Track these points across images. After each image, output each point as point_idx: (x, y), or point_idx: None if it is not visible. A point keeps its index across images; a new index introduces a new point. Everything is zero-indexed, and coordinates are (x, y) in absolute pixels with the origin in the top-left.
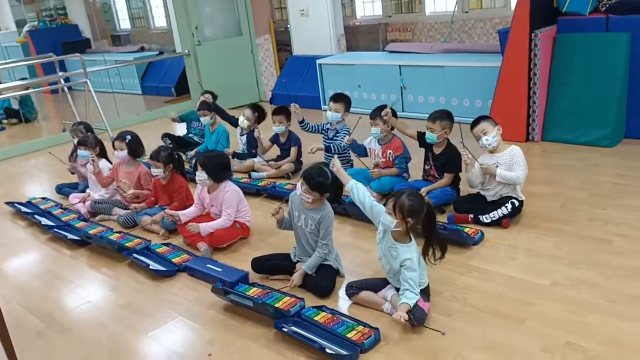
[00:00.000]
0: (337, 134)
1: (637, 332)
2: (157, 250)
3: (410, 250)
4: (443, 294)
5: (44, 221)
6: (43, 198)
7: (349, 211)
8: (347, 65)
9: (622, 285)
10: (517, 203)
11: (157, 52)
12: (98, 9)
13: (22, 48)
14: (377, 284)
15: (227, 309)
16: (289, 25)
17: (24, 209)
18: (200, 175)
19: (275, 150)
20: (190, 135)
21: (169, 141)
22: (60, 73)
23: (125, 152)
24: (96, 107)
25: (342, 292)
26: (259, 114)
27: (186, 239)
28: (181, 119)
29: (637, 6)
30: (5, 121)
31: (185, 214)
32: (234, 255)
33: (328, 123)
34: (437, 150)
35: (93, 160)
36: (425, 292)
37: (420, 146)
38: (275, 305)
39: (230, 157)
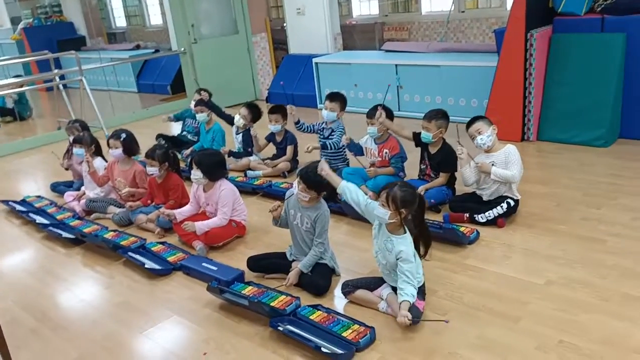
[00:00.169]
0: (333, 133)
1: (631, 331)
2: (152, 248)
3: (405, 242)
4: (438, 293)
5: (39, 219)
6: (38, 196)
7: (345, 210)
8: (343, 64)
9: (616, 284)
10: (512, 202)
11: (153, 50)
12: (94, 7)
13: (17, 45)
14: (373, 283)
15: (222, 307)
16: (285, 24)
17: (18, 207)
18: (196, 173)
19: (271, 149)
20: (184, 133)
21: (163, 141)
22: (56, 71)
23: (120, 151)
24: (91, 105)
25: (337, 291)
26: (255, 113)
27: (182, 237)
28: (176, 118)
29: (633, 7)
30: None
31: (180, 213)
32: (230, 254)
33: (323, 122)
34: (433, 150)
35: (88, 160)
36: (420, 291)
37: (416, 146)
38: (271, 304)
39: (225, 155)
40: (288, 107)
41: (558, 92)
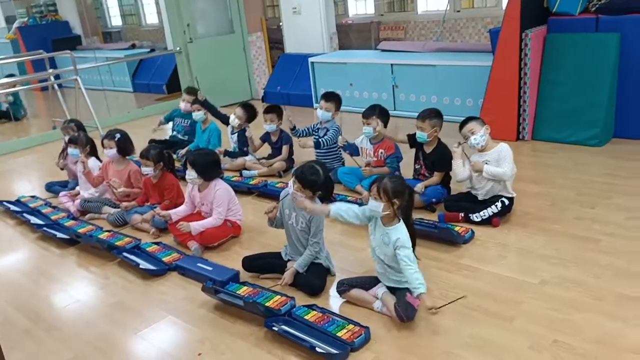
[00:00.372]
0: (328, 132)
1: (625, 330)
2: (147, 249)
3: (400, 230)
4: (433, 292)
5: (33, 220)
6: (32, 196)
7: None
8: (339, 64)
9: (610, 283)
10: (507, 202)
11: (149, 50)
12: (89, 6)
13: (12, 45)
14: (368, 282)
15: (217, 308)
16: (281, 23)
17: (12, 207)
18: (190, 174)
19: (266, 149)
20: (174, 133)
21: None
22: (51, 70)
23: (114, 151)
24: (86, 105)
25: (332, 291)
26: (250, 113)
27: (177, 237)
28: (166, 120)
29: (627, 7)
30: None
31: (175, 213)
32: (225, 254)
33: (318, 122)
34: (428, 149)
35: (83, 161)
36: None
37: (412, 147)
38: (266, 304)
39: (221, 155)
40: (285, 113)
41: (553, 92)
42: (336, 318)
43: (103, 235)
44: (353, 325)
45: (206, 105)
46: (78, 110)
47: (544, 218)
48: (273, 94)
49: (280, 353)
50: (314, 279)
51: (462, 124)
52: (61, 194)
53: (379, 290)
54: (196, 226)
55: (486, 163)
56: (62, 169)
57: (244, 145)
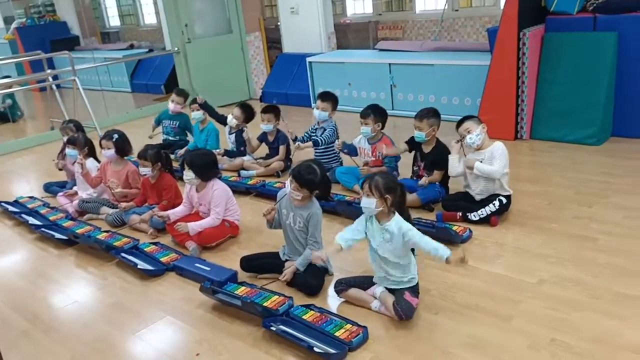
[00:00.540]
0: (325, 131)
1: (622, 329)
2: (145, 249)
3: (398, 220)
4: (431, 292)
5: (31, 220)
6: (30, 197)
7: (338, 209)
8: (337, 64)
9: (608, 282)
10: (504, 200)
11: (147, 50)
12: (87, 6)
13: (10, 45)
14: (366, 282)
15: (215, 308)
16: (279, 23)
17: (11, 208)
18: (188, 174)
19: (264, 149)
20: (165, 136)
21: None
22: (49, 71)
23: (112, 151)
24: (85, 105)
25: (330, 291)
26: (248, 113)
27: (175, 238)
28: (156, 123)
29: (624, 6)
30: None
31: (174, 213)
32: (223, 254)
33: (316, 123)
34: (427, 149)
35: (81, 162)
36: (413, 288)
37: (411, 151)
38: (264, 304)
39: (221, 155)
40: (283, 124)
41: (550, 91)
42: (334, 318)
43: (101, 236)
44: (351, 325)
45: (205, 107)
46: (76, 111)
47: (541, 217)
48: (271, 94)
49: (278, 353)
50: (311, 278)
51: (459, 123)
52: (59, 194)
53: (377, 289)
54: (194, 226)
55: (481, 161)
56: (60, 169)
57: (241, 145)
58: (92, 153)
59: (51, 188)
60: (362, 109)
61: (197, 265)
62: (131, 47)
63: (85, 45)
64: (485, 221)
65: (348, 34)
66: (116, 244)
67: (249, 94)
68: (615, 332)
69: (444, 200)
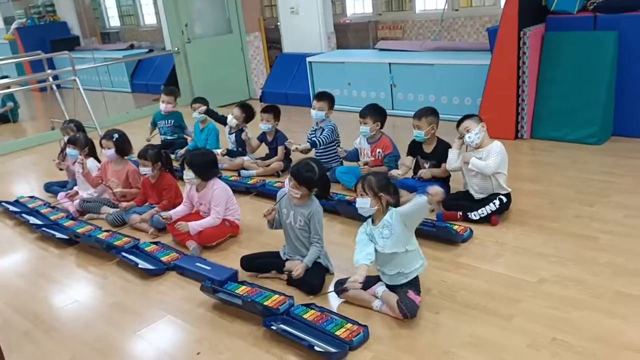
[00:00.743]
0: (323, 131)
1: (623, 327)
2: (146, 248)
3: (392, 211)
4: (432, 291)
5: (32, 220)
6: (31, 197)
7: (339, 209)
8: (337, 63)
9: (609, 282)
10: (504, 199)
11: (147, 50)
12: (87, 6)
13: (10, 45)
14: (367, 282)
15: (216, 307)
16: (279, 23)
17: (11, 207)
18: (188, 174)
19: (264, 149)
20: (162, 137)
21: None
22: (49, 71)
23: (112, 151)
24: (85, 105)
25: (331, 290)
26: (248, 113)
27: (175, 237)
28: (153, 125)
29: (625, 5)
30: None
31: (174, 213)
32: (223, 253)
33: (314, 123)
34: (428, 149)
35: (81, 162)
36: (415, 286)
37: (414, 155)
38: (264, 303)
39: (222, 155)
40: (288, 143)
41: (551, 90)
42: (335, 317)
43: (102, 235)
44: (351, 324)
45: (209, 114)
46: (76, 111)
47: (542, 216)
48: (271, 94)
49: (279, 352)
50: (312, 278)
51: (459, 122)
52: (60, 194)
53: (379, 289)
54: (194, 226)
55: (480, 159)
56: (61, 169)
57: (241, 145)
58: (92, 153)
59: (52, 188)
60: (362, 108)
61: (197, 264)
62: (131, 47)
63: (85, 46)
64: (485, 220)
65: (348, 34)
66: (117, 243)
67: (248, 94)
68: (616, 331)
69: (445, 199)
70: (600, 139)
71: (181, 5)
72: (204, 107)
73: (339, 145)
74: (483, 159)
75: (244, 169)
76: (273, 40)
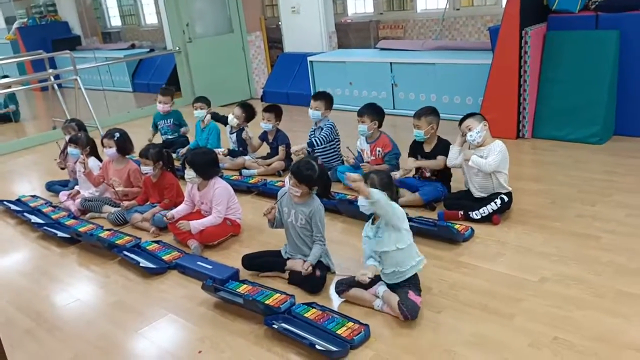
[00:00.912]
0: (322, 131)
1: (625, 327)
2: (147, 247)
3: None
4: (433, 290)
5: (34, 219)
6: (33, 196)
7: (340, 208)
8: (338, 63)
9: (611, 281)
10: (506, 198)
11: (148, 50)
12: (88, 6)
13: (12, 45)
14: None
15: (217, 306)
16: (280, 23)
17: (13, 206)
18: (189, 173)
19: (265, 149)
20: (164, 137)
21: None
22: (50, 70)
23: (114, 150)
24: (86, 105)
25: (332, 289)
26: (248, 113)
27: (177, 236)
28: (154, 128)
29: (626, 4)
30: None
31: (176, 212)
32: (225, 252)
33: (314, 123)
34: (428, 148)
35: (82, 162)
36: (416, 286)
37: (415, 155)
38: (266, 302)
39: (224, 155)
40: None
41: (553, 90)
42: (336, 316)
43: (103, 234)
44: (353, 323)
45: (215, 118)
46: (78, 110)
47: (544, 216)
48: (272, 93)
49: (280, 351)
50: (314, 276)
51: (461, 121)
52: (62, 193)
53: (380, 288)
54: (196, 225)
55: (481, 157)
56: (62, 168)
57: (242, 145)
58: (94, 152)
59: (53, 187)
60: (359, 108)
61: (199, 263)
62: (132, 46)
63: (86, 45)
64: (487, 219)
65: (349, 34)
66: (118, 242)
67: (250, 94)
68: (618, 330)
69: (446, 198)
70: (602, 139)
71: (182, 5)
72: (209, 116)
73: (339, 145)
74: (484, 157)
75: (245, 168)
76: (274, 40)
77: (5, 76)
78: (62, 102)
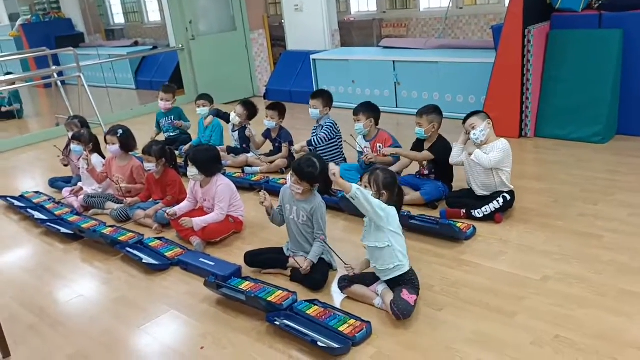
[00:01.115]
0: (322, 129)
1: (627, 326)
2: (150, 244)
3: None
4: (434, 288)
5: (37, 215)
6: (36, 192)
7: (342, 206)
8: (341, 61)
9: (612, 279)
10: (508, 197)
11: (151, 47)
12: (92, 3)
13: (15, 42)
14: (369, 278)
15: (219, 302)
16: (283, 21)
17: (16, 203)
18: (191, 170)
19: (268, 146)
20: (167, 134)
21: None
22: (54, 67)
23: (117, 147)
24: (89, 102)
25: (334, 286)
26: (251, 111)
27: (179, 233)
28: (157, 127)
29: (630, 3)
30: None
31: (179, 209)
32: (227, 249)
33: (315, 121)
34: (427, 146)
35: (85, 158)
36: (412, 284)
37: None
38: (268, 299)
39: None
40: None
41: (555, 89)
42: (338, 313)
43: (106, 231)
44: (354, 320)
45: (218, 116)
46: (81, 107)
47: (546, 214)
48: (275, 91)
49: (282, 347)
50: (315, 274)
51: (465, 119)
52: (65, 189)
53: (379, 287)
54: (198, 222)
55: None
56: (66, 165)
57: (245, 143)
58: (97, 149)
59: (56, 183)
60: (355, 106)
61: (201, 260)
62: (135, 44)
63: (89, 42)
64: (489, 218)
65: (352, 32)
66: (121, 238)
67: (252, 92)
68: (619, 329)
69: (448, 197)
70: (605, 138)
71: (185, 3)
72: (210, 117)
73: (341, 143)
74: (487, 153)
75: (248, 165)
76: (277, 38)
77: (9, 73)
78: (65, 99)
